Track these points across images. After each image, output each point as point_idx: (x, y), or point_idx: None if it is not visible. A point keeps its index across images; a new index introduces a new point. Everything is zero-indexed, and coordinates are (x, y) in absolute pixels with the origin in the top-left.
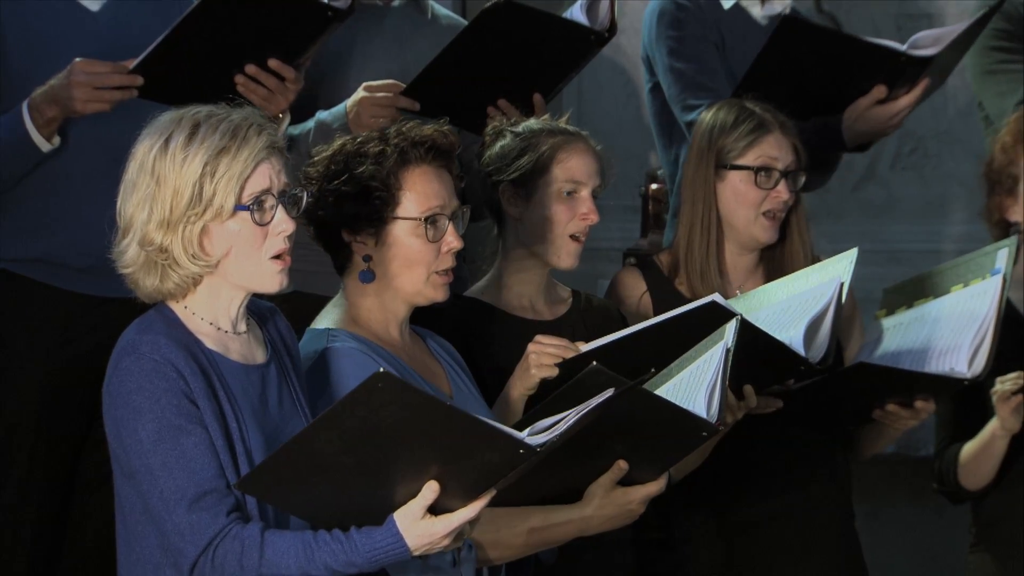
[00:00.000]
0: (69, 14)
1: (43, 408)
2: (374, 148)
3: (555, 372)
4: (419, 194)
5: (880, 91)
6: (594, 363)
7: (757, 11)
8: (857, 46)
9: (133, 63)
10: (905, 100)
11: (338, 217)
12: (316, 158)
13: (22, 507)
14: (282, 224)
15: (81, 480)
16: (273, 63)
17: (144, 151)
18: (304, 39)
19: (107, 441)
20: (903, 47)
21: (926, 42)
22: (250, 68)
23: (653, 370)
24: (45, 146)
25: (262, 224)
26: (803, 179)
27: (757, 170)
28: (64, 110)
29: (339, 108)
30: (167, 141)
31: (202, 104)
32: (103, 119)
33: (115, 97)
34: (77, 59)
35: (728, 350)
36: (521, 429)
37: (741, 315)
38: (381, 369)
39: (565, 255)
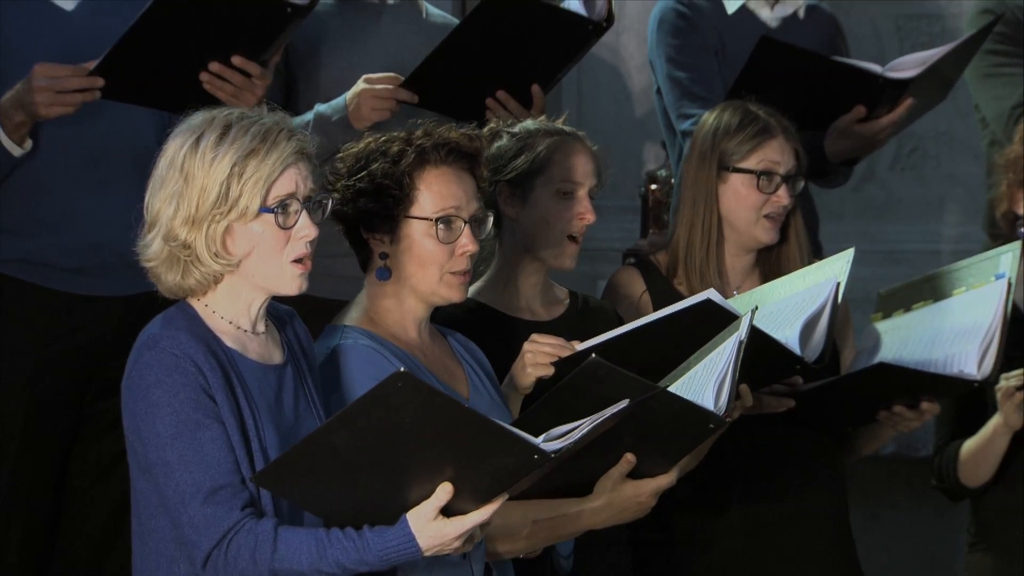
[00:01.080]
0: (42, 14)
1: (31, 406)
2: (395, 148)
3: (551, 371)
4: (434, 194)
5: (859, 111)
6: (593, 355)
7: (767, 13)
8: (834, 68)
9: (93, 64)
10: (886, 120)
11: (355, 213)
12: (344, 154)
13: (12, 507)
14: (305, 229)
15: (77, 476)
16: (237, 60)
17: (175, 148)
18: (266, 36)
19: (105, 437)
20: (881, 69)
21: (909, 64)
22: (214, 65)
23: (666, 381)
24: (16, 151)
25: (285, 228)
26: (802, 183)
27: (759, 174)
28: (29, 115)
29: (338, 100)
30: (198, 140)
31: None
32: (83, 120)
33: (77, 100)
34: (37, 64)
35: (741, 342)
36: (519, 426)
37: (757, 306)
38: (401, 368)
39: (563, 256)
